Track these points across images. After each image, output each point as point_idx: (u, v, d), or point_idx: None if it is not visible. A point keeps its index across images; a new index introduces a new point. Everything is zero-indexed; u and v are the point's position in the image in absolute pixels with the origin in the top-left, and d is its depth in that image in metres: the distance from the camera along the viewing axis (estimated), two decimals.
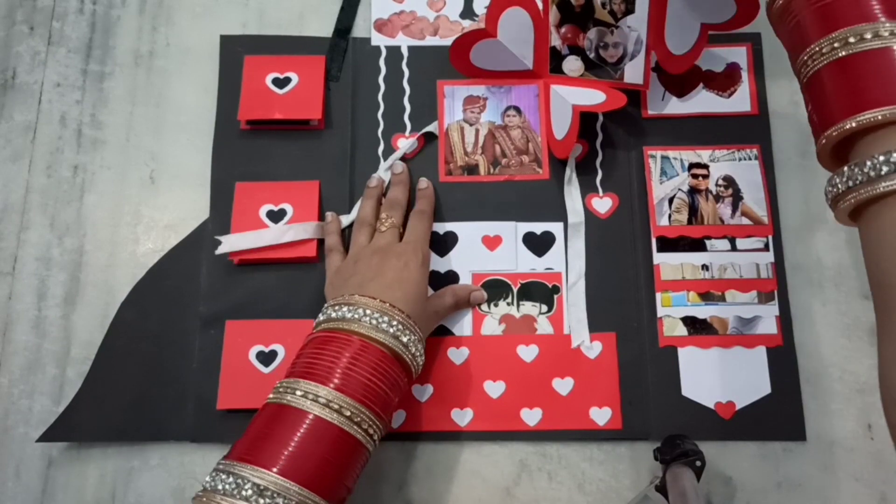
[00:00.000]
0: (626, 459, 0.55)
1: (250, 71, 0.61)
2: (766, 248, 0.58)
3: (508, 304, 0.58)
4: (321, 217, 0.59)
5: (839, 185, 0.39)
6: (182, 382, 0.56)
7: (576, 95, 0.58)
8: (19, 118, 0.62)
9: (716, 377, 0.55)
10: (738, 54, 0.62)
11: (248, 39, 0.64)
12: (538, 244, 0.59)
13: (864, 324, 0.58)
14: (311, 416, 0.44)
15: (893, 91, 0.38)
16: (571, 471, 0.55)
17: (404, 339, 0.48)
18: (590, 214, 0.59)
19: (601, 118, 0.62)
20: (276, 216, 0.58)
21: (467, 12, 0.64)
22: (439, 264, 0.59)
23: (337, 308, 0.49)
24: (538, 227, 0.59)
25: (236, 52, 0.63)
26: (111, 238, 0.60)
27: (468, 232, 0.59)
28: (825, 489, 0.54)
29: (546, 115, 0.60)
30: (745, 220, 0.59)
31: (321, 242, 0.59)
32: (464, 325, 0.57)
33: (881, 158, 0.37)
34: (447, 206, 0.60)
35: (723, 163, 0.60)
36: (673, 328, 0.57)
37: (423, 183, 0.59)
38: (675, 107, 0.61)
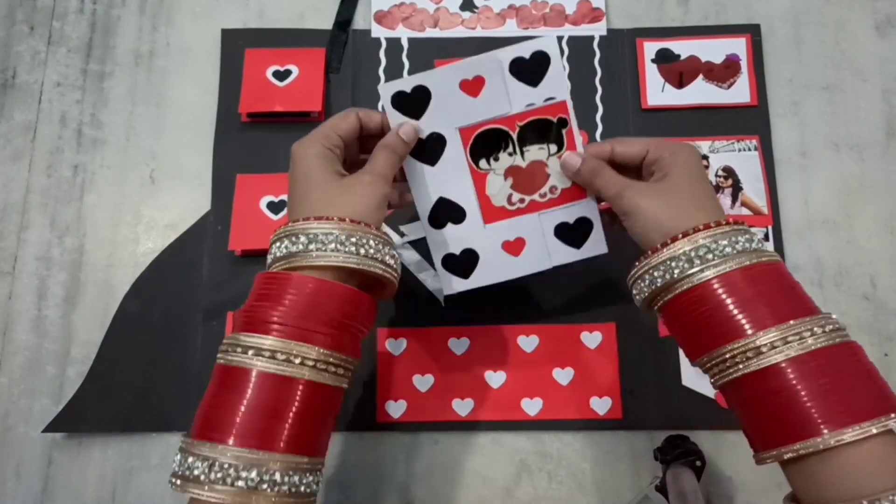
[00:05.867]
0: (626, 459, 0.55)
1: (251, 64, 0.62)
2: (766, 238, 0.58)
3: (510, 154, 0.48)
4: None
5: None
6: (184, 374, 0.56)
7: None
8: (19, 118, 0.62)
9: None
10: (738, 45, 0.62)
11: (248, 33, 0.64)
12: (530, 71, 0.46)
13: (864, 324, 0.57)
14: (259, 374, 0.39)
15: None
16: (571, 470, 0.55)
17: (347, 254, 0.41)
18: None
19: (601, 110, 0.62)
20: (276, 207, 0.59)
21: (467, 4, 0.64)
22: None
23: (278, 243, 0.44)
24: (526, 50, 0.46)
25: (237, 45, 0.63)
26: (111, 238, 0.60)
27: (441, 81, 0.46)
28: None
29: None
30: (745, 211, 0.58)
31: None
32: (462, 191, 0.48)
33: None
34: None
35: (722, 154, 0.60)
36: None
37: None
38: (675, 98, 0.61)
